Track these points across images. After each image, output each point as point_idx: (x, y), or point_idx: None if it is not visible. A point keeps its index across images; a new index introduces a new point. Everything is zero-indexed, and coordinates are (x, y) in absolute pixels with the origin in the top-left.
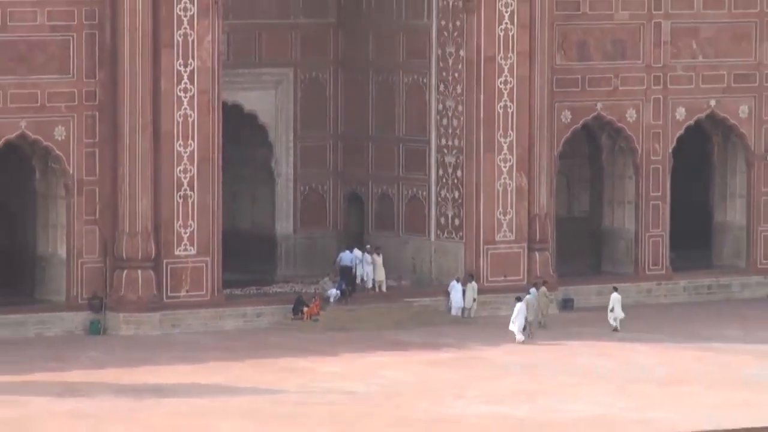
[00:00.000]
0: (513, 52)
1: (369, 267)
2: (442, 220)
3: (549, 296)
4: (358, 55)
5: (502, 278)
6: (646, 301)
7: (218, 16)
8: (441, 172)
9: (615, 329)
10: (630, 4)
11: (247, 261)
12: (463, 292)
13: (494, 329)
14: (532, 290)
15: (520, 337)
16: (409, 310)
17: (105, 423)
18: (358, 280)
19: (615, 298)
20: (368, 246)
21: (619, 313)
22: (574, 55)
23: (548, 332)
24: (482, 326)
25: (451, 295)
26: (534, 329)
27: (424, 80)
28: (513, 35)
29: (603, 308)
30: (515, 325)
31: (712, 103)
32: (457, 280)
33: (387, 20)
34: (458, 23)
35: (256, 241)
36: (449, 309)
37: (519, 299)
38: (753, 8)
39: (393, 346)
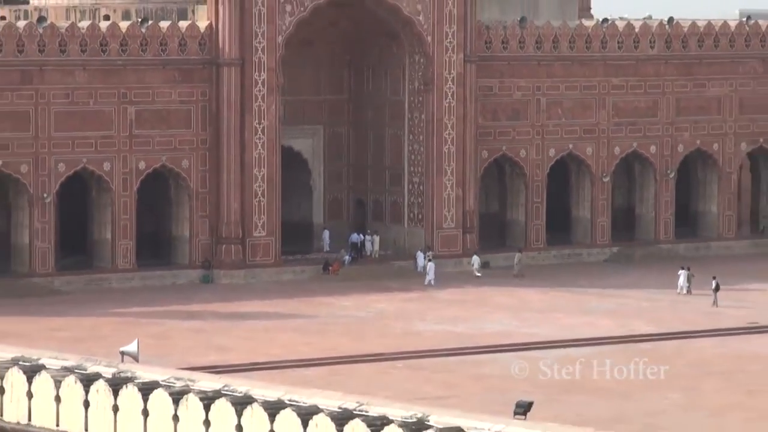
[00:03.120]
0: (454, 116)
1: (369, 243)
2: (411, 215)
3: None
4: (361, 118)
5: (447, 250)
6: (531, 263)
7: (278, 95)
8: (411, 186)
9: (478, 276)
10: (522, 87)
11: (296, 239)
12: (424, 257)
13: (442, 280)
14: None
15: (434, 283)
16: (392, 268)
17: (212, 335)
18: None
19: (475, 258)
20: (369, 230)
21: (478, 267)
22: (489, 117)
23: (473, 281)
24: (435, 279)
25: (417, 260)
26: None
27: (400, 133)
28: (453, 106)
29: (508, 268)
30: (429, 274)
31: (571, 146)
32: (421, 251)
33: (378, 96)
34: (421, 98)
35: (301, 228)
36: (416, 268)
37: (430, 260)
38: (594, 90)
39: (382, 290)
